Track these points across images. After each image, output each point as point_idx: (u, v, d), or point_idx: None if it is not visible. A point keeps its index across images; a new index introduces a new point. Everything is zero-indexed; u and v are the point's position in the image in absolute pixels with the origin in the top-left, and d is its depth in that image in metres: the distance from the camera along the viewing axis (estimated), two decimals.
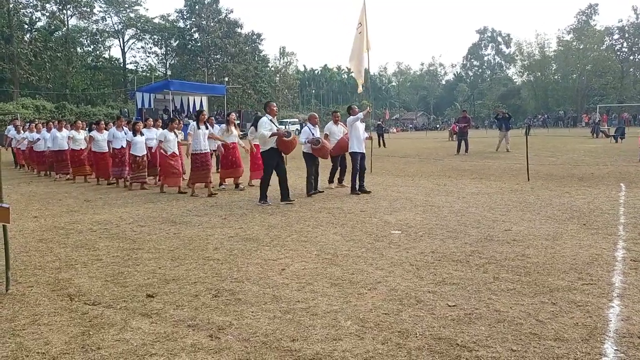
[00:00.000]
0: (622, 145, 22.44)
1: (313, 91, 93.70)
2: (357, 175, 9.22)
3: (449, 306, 3.62)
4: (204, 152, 9.56)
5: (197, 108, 39.73)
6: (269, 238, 5.90)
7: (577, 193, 8.76)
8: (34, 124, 15.99)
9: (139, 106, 35.65)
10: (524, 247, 5.19)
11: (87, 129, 13.97)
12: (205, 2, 60.56)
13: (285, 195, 8.48)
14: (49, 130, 13.93)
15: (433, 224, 6.46)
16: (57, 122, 14.00)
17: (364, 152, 9.40)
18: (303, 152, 9.45)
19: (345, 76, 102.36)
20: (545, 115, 63.10)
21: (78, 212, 8.10)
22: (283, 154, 8.60)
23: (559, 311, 3.48)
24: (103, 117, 37.36)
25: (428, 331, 3.21)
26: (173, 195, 9.80)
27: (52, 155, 13.51)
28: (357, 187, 9.20)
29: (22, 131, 17.01)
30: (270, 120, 8.40)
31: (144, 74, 60.65)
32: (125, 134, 11.45)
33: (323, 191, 9.50)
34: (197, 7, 60.16)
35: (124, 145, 11.30)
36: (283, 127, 9.29)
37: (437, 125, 71.77)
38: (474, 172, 12.67)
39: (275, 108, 8.76)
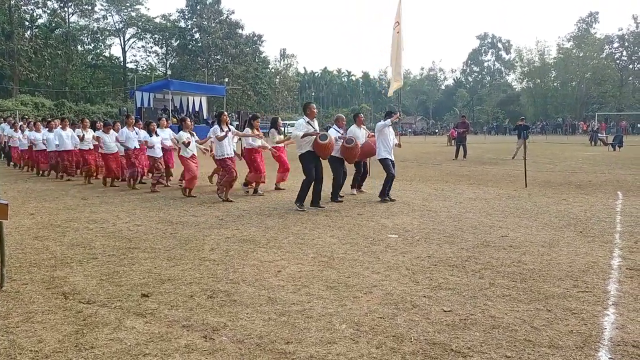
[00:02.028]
0: (620, 153, 22.53)
1: (313, 94, 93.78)
2: (391, 181, 8.91)
3: (444, 311, 3.62)
4: (230, 155, 9.12)
5: (197, 108, 39.83)
6: (265, 240, 5.90)
7: (575, 200, 8.78)
8: (33, 123, 15.52)
9: (138, 105, 35.64)
10: (520, 254, 5.19)
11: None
12: (207, 2, 60.60)
13: (316, 200, 8.17)
14: (50, 129, 13.41)
15: (430, 229, 6.46)
16: (59, 120, 13.55)
17: (393, 158, 9.06)
18: (330, 155, 8.79)
19: (345, 79, 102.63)
20: (544, 122, 63.23)
21: (75, 210, 8.08)
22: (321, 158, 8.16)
23: (554, 318, 3.48)
24: (102, 116, 37.37)
25: (423, 336, 3.21)
26: (170, 195, 9.79)
27: (56, 155, 13.03)
28: (388, 193, 8.86)
29: (19, 130, 16.69)
30: (308, 122, 8.04)
31: (144, 73, 60.67)
32: (137, 133, 11.15)
33: (343, 197, 9.00)
34: (198, 7, 60.18)
35: (137, 146, 11.04)
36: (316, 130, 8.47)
37: (436, 130, 71.79)
38: (471, 178, 12.69)
39: (315, 110, 8.31)
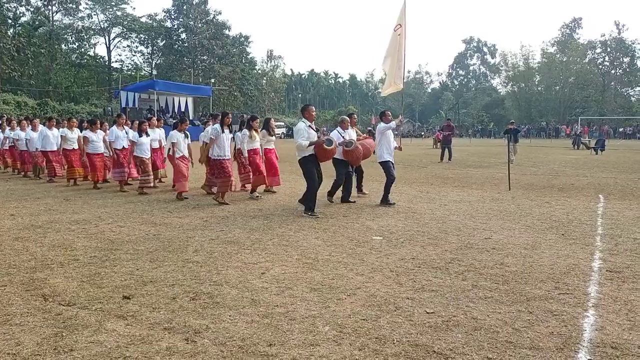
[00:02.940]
0: (602, 157, 22.87)
1: (300, 95, 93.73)
2: (391, 185, 8.74)
3: (427, 313, 3.64)
4: (227, 158, 8.78)
5: (182, 109, 39.63)
6: (250, 241, 5.87)
7: (557, 203, 8.88)
8: (17, 121, 14.94)
9: (123, 105, 35.36)
10: (503, 256, 5.24)
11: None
12: (194, 2, 60.26)
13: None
14: (34, 128, 13.01)
15: (414, 231, 6.49)
16: (46, 119, 13.00)
17: (394, 161, 8.88)
18: (334, 157, 8.45)
19: (332, 81, 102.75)
20: (528, 126, 63.98)
21: (56, 211, 7.97)
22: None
23: (535, 320, 3.51)
24: (86, 116, 36.91)
25: (405, 338, 3.22)
26: (154, 197, 9.70)
27: (40, 155, 12.64)
28: (388, 198, 8.69)
29: None
30: (309, 126, 7.77)
31: (129, 72, 60.02)
32: (127, 133, 10.87)
33: (355, 201, 8.88)
34: (185, 7, 59.83)
35: (126, 146, 10.77)
36: (319, 133, 8.24)
37: (422, 133, 72.17)
38: (456, 180, 12.78)
39: (314, 113, 8.02)
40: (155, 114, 31.36)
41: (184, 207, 8.45)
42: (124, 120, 11.27)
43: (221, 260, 5.04)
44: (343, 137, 8.73)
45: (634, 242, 5.89)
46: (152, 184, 10.51)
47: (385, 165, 8.76)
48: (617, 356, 2.99)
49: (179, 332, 3.29)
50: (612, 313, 3.65)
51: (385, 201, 8.71)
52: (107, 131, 11.57)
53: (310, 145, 7.61)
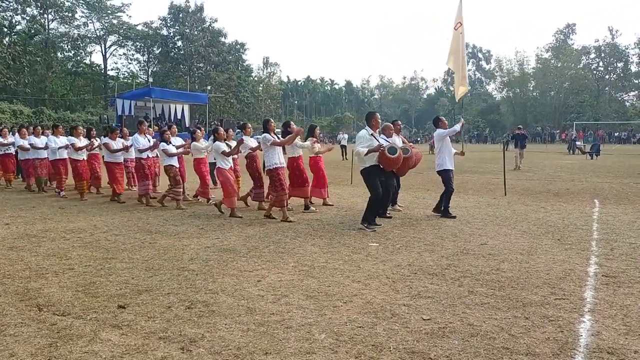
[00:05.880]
0: (597, 162, 22.97)
1: (296, 102, 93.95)
2: (450, 196, 8.25)
3: (424, 320, 3.63)
4: (283, 166, 8.14)
5: (179, 116, 39.63)
6: (246, 249, 5.86)
7: (553, 208, 8.90)
8: (17, 129, 14.44)
9: (119, 113, 35.35)
10: (499, 261, 5.24)
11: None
12: (190, 10, 60.49)
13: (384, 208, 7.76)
14: (36, 135, 12.52)
15: (410, 237, 6.48)
16: (52, 127, 12.27)
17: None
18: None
19: (328, 88, 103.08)
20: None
21: (52, 220, 7.94)
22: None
23: (531, 326, 3.51)
24: (82, 124, 36.82)
25: (402, 345, 3.21)
26: (151, 204, 9.64)
27: (47, 165, 12.13)
28: (445, 208, 8.19)
29: None
30: (372, 134, 7.24)
31: (125, 80, 60.06)
32: (149, 141, 10.28)
33: (391, 217, 8.09)
34: (181, 15, 60.04)
35: (151, 155, 10.22)
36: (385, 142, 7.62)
37: (418, 139, 72.31)
38: None
39: (380, 120, 7.49)
40: (152, 122, 31.36)
41: (179, 215, 8.43)
42: (146, 128, 10.60)
43: (217, 268, 5.03)
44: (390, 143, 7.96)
45: (629, 246, 5.90)
46: (182, 197, 9.72)
47: (446, 175, 8.24)
48: None
49: (174, 341, 3.27)
50: (608, 318, 3.65)
51: (446, 213, 8.15)
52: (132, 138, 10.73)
53: (368, 152, 7.06)
